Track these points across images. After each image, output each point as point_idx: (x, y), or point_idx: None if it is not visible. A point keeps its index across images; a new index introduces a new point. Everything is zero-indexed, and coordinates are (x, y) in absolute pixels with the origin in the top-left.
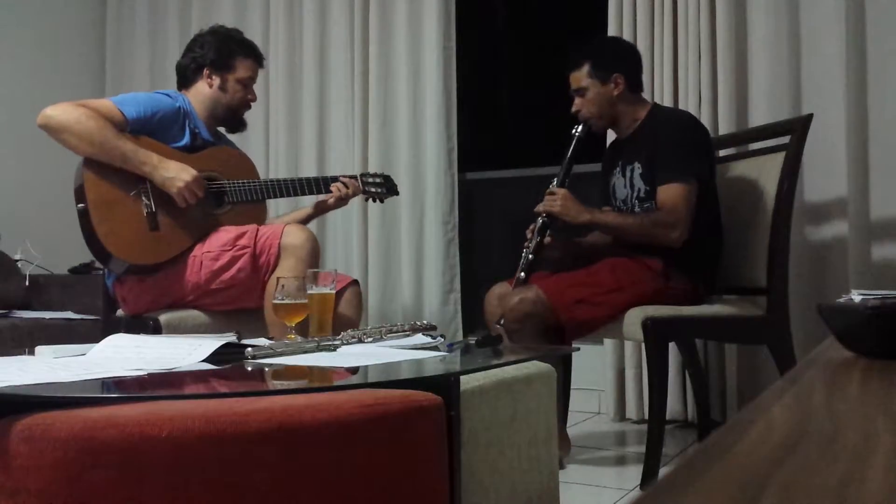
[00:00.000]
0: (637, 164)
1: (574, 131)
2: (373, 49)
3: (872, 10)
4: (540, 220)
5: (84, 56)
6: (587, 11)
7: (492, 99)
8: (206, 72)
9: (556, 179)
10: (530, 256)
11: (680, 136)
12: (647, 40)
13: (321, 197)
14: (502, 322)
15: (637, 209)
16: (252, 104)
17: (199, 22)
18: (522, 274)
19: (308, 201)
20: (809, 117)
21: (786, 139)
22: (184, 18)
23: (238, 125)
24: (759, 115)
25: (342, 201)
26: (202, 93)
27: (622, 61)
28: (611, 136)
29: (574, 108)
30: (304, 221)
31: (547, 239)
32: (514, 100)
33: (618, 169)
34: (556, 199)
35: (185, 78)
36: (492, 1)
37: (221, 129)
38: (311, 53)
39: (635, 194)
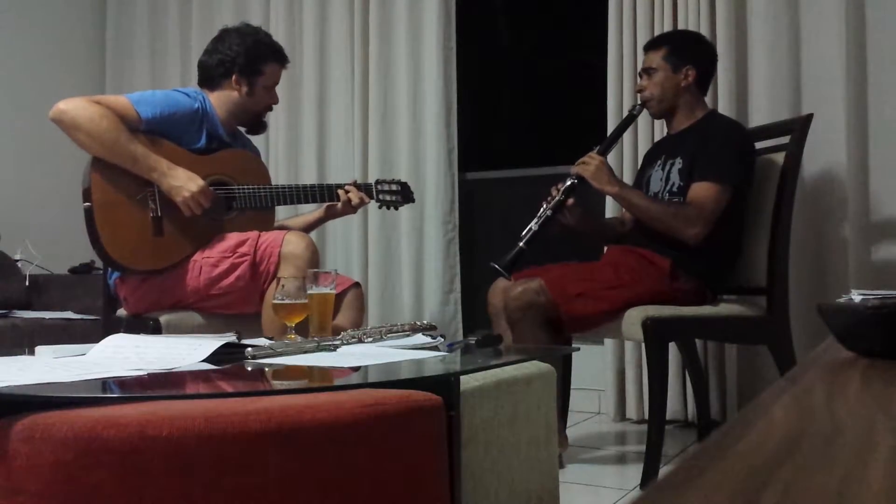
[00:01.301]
0: (679, 160)
1: (632, 108)
2: (373, 49)
3: (872, 10)
4: (569, 181)
5: (84, 56)
6: (587, 11)
7: (492, 99)
8: (234, 77)
9: (597, 147)
10: (549, 212)
11: (727, 140)
12: (647, 40)
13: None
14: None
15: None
16: (281, 102)
17: (199, 22)
18: (535, 225)
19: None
20: (809, 117)
21: (786, 139)
22: (184, 18)
23: (259, 127)
24: (760, 116)
25: (349, 207)
26: (228, 97)
27: (699, 57)
28: (644, 139)
29: (638, 87)
30: (314, 225)
31: (570, 200)
32: (514, 100)
33: (659, 162)
34: (591, 163)
35: (210, 78)
36: (492, 1)
37: (241, 129)
38: (311, 53)
39: (668, 187)
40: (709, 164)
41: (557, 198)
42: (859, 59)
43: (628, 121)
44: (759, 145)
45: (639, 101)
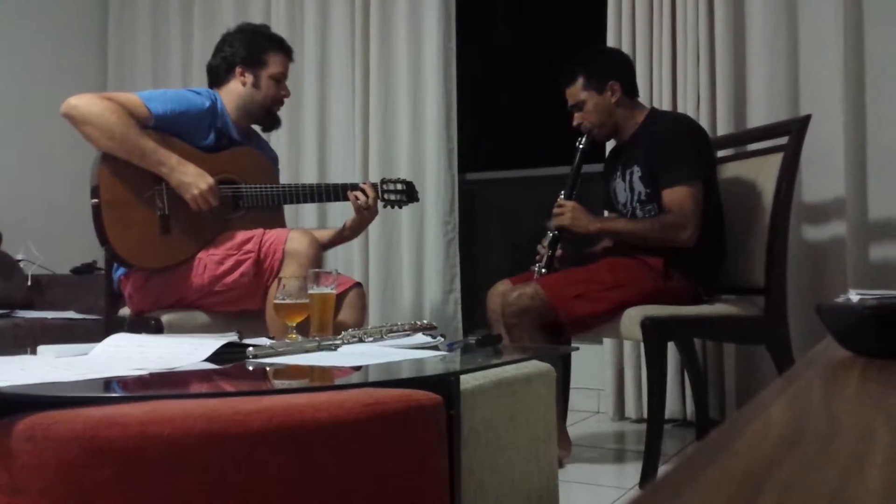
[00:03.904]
0: (636, 168)
1: (578, 143)
2: (373, 49)
3: (870, 11)
4: (550, 235)
5: (86, 57)
6: (587, 11)
7: (492, 99)
8: (238, 70)
9: (563, 192)
10: (543, 271)
11: (679, 137)
12: (646, 41)
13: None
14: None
15: (639, 212)
16: (286, 100)
17: (201, 23)
18: None
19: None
20: (807, 118)
21: (784, 140)
22: (185, 20)
23: (273, 122)
24: (758, 116)
25: (367, 212)
26: (235, 91)
27: (615, 68)
28: (610, 143)
29: (575, 123)
30: (333, 243)
31: (558, 252)
32: (514, 100)
33: (618, 173)
34: (566, 212)
35: (217, 77)
36: (492, 1)
37: (256, 128)
38: (311, 54)
39: (636, 197)
40: (670, 167)
41: (546, 255)
42: (857, 60)
43: (581, 157)
44: (757, 146)
45: (582, 135)
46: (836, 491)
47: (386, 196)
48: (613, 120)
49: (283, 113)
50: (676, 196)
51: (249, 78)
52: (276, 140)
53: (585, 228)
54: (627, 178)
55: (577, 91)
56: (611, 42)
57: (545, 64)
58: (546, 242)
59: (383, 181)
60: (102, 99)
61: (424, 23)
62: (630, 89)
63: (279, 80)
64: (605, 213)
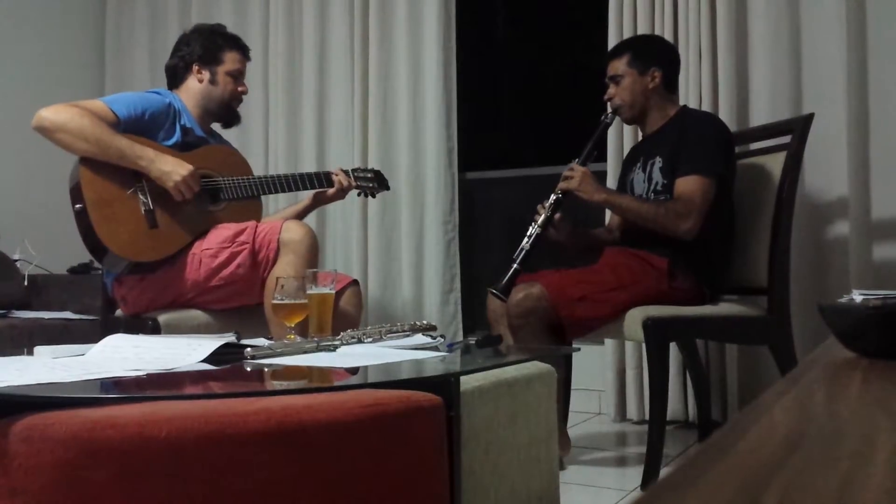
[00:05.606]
0: (658, 158)
1: (604, 117)
2: (373, 49)
3: (873, 9)
4: (553, 197)
5: (83, 57)
6: (587, 11)
7: (492, 99)
8: (195, 68)
9: (577, 159)
10: (538, 229)
11: (705, 131)
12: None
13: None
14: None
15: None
16: (244, 97)
17: (199, 23)
18: (526, 245)
19: (302, 197)
20: (810, 117)
21: (787, 139)
22: (183, 20)
23: (232, 118)
24: (760, 115)
25: (342, 192)
26: (193, 89)
27: (662, 57)
28: (629, 138)
29: (607, 95)
30: (303, 214)
31: (557, 216)
32: (514, 100)
33: (639, 164)
34: (575, 176)
35: (175, 77)
36: (492, 1)
37: (216, 127)
38: (311, 54)
39: (652, 187)
40: (690, 158)
41: (545, 214)
42: (860, 59)
43: (602, 130)
44: (759, 145)
45: (609, 110)
46: (840, 492)
47: (359, 184)
48: (644, 104)
49: (281, 114)
50: (688, 185)
51: (206, 75)
52: (275, 141)
53: (590, 196)
54: (648, 168)
55: (620, 65)
56: (611, 41)
57: (545, 63)
58: (548, 204)
59: (354, 170)
60: (70, 106)
61: (424, 23)
62: (670, 83)
63: (236, 76)
64: None
